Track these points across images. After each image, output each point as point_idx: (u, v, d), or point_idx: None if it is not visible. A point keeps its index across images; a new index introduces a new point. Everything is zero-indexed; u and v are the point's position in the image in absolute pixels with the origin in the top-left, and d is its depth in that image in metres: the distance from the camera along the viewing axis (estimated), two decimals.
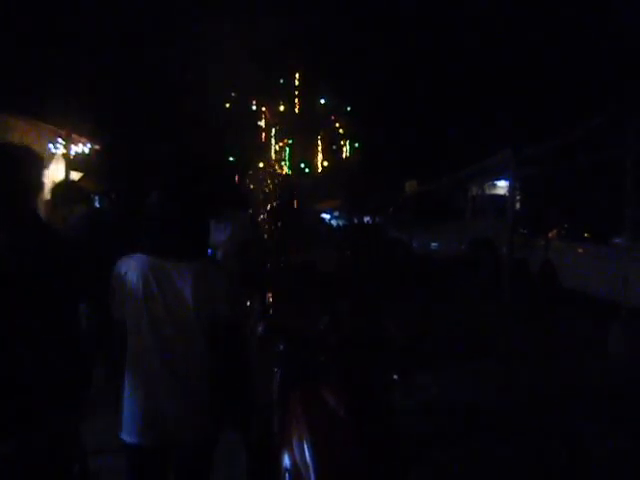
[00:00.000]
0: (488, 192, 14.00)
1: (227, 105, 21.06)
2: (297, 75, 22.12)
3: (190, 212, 2.13)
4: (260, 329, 2.42)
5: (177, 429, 2.04)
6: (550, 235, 9.87)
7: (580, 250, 9.03)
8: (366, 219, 20.91)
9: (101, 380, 2.30)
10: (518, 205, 14.11)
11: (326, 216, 28.06)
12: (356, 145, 23.50)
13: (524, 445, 3.56)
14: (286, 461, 2.02)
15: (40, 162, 2.11)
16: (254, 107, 22.07)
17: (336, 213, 27.63)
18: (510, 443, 3.59)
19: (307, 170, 23.65)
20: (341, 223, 25.04)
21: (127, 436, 2.06)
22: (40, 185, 2.07)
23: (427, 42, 18.21)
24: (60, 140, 8.00)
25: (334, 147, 23.30)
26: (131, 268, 2.08)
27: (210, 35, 17.46)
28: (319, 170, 23.98)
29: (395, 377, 2.25)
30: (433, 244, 14.06)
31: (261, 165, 22.56)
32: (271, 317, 2.84)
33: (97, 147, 9.37)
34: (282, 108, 21.96)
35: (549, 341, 6.37)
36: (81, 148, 8.82)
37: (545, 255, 9.73)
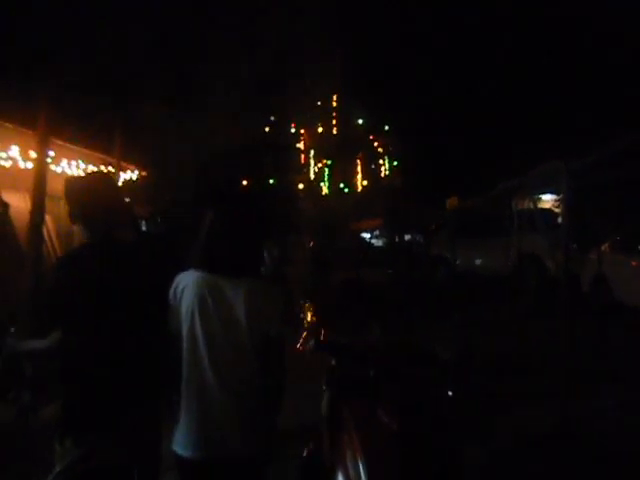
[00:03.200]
0: (534, 206, 13.65)
1: (267, 129, 21.49)
2: (334, 97, 22.37)
3: (243, 230, 2.19)
4: (311, 344, 2.42)
5: (230, 444, 2.06)
6: (602, 249, 9.52)
7: (634, 263, 8.67)
8: (407, 237, 20.73)
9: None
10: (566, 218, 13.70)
11: (366, 235, 27.96)
12: (395, 163, 23.45)
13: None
14: (340, 478, 1.99)
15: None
16: (293, 129, 22.44)
17: (376, 232, 27.51)
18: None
19: (346, 190, 23.73)
20: (382, 242, 24.90)
21: (181, 449, 2.09)
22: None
23: (463, 57, 18.13)
24: (110, 168, 8.33)
25: (373, 166, 23.34)
26: (187, 284, 2.14)
27: (249, 60, 17.89)
28: (359, 190, 24.01)
29: (450, 393, 2.20)
30: (477, 261, 13.77)
31: (301, 186, 22.81)
32: (320, 333, 2.83)
33: (144, 173, 9.70)
34: (320, 130, 22.23)
35: (605, 359, 6.10)
36: (129, 175, 9.16)
37: (598, 270, 9.38)
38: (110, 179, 2.46)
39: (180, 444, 2.10)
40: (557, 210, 14.55)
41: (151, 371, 2.17)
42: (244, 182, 21.17)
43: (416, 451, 1.82)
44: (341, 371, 2.53)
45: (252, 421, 2.10)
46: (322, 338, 2.63)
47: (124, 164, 9.08)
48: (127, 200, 3.81)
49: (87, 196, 2.17)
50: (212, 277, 2.14)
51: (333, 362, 2.85)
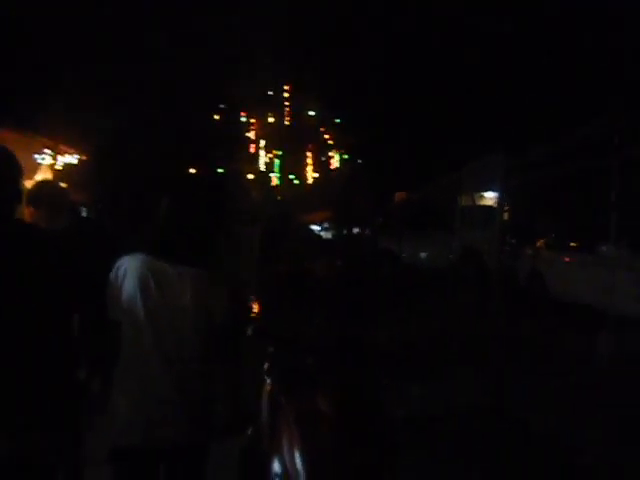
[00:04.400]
0: (477, 203, 14.10)
1: (216, 117, 21.14)
2: (286, 87, 22.26)
3: (197, 218, 2.17)
4: (249, 331, 2.43)
5: (172, 430, 2.04)
6: (538, 245, 9.96)
7: (567, 259, 9.12)
8: (356, 230, 20.96)
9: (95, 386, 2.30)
10: (506, 215, 14.26)
11: (316, 227, 28.04)
12: (345, 156, 23.62)
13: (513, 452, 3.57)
14: (276, 467, 2.01)
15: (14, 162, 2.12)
16: (244, 119, 22.18)
17: (326, 224, 27.65)
18: (497, 451, 3.59)
19: (297, 182, 23.71)
20: (331, 234, 25.04)
21: (120, 438, 2.04)
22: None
23: (414, 52, 18.40)
24: (47, 151, 7.97)
25: (323, 159, 23.42)
26: (129, 267, 2.09)
27: (199, 46, 17.56)
28: (309, 181, 24.05)
29: (385, 382, 2.26)
30: (422, 254, 14.12)
31: (251, 177, 22.60)
32: (260, 321, 2.84)
33: (84, 157, 9.35)
34: (271, 120, 22.08)
35: (537, 351, 6.40)
36: (68, 159, 8.80)
37: (533, 264, 9.82)
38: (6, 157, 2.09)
39: (119, 433, 2.04)
40: (496, 207, 15.12)
41: (61, 363, 1.99)
42: (192, 170, 20.76)
43: (353, 440, 1.86)
44: (280, 361, 2.55)
45: (197, 407, 2.09)
46: (262, 328, 2.64)
47: (63, 147, 8.71)
48: (63, 186, 3.64)
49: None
50: (157, 262, 2.09)
51: (271, 350, 2.87)
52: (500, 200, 6.53)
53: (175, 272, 2.09)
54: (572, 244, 9.34)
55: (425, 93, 18.14)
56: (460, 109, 17.12)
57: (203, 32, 17.48)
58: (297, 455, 1.87)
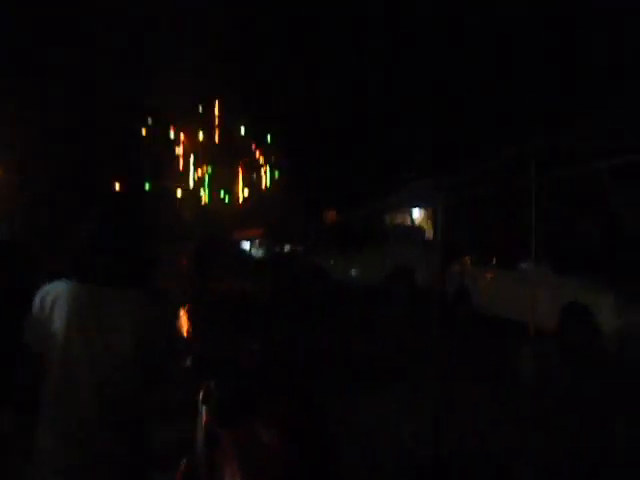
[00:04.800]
0: (404, 222, 14.55)
1: (143, 132, 20.53)
2: (216, 102, 22.05)
3: (128, 239, 2.03)
4: (188, 362, 2.31)
5: (109, 467, 1.89)
6: (463, 262, 10.36)
7: (490, 275, 9.55)
8: (287, 247, 20.99)
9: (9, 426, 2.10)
10: (431, 234, 14.79)
11: (247, 245, 27.81)
12: (276, 174, 23.66)
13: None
14: None
15: None
16: (172, 135, 21.69)
17: (257, 242, 27.49)
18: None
19: (227, 199, 23.43)
20: (261, 252, 24.90)
21: None
22: None
23: (345, 68, 18.72)
24: None
25: (254, 176, 23.33)
26: (59, 294, 1.93)
27: (129, 58, 17.09)
28: (240, 199, 23.83)
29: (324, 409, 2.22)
30: (353, 272, 14.32)
31: (179, 194, 22.08)
32: (198, 349, 2.72)
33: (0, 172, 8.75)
34: (201, 136, 21.75)
35: (464, 363, 6.61)
36: None
37: (460, 282, 10.19)
38: None
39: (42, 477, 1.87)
40: (424, 226, 15.69)
41: None
42: (116, 185, 20.01)
43: (298, 470, 1.80)
44: (218, 388, 2.45)
45: (133, 444, 1.95)
46: (199, 354, 2.52)
47: None
48: None
49: None
50: (91, 288, 1.95)
51: (212, 381, 2.75)
52: (439, 216, 6.71)
53: (112, 297, 1.97)
54: (494, 261, 9.80)
55: (356, 110, 18.54)
56: (390, 125, 17.60)
57: (130, 43, 17.03)
58: None
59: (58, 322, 1.91)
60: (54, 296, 1.94)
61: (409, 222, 14.71)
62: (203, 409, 2.74)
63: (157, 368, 2.05)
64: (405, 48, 16.84)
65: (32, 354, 1.94)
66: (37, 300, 1.95)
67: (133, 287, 2.02)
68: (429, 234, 14.91)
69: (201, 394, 2.82)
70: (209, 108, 21.96)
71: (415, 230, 14.66)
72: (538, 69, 14.23)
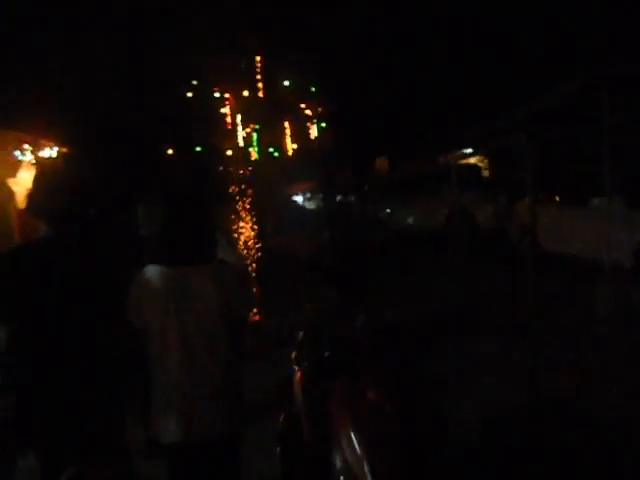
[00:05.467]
0: (460, 163, 14.16)
1: (189, 94, 20.59)
2: (257, 58, 21.72)
3: (196, 219, 2.22)
4: (300, 336, 2.45)
5: (208, 425, 2.14)
6: (528, 201, 10.06)
7: (558, 213, 9.26)
8: (339, 198, 20.95)
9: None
10: (492, 174, 14.35)
11: (299, 199, 27.96)
12: (323, 125, 23.34)
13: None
14: (337, 462, 2.05)
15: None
16: (217, 94, 21.64)
17: (308, 195, 27.55)
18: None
19: (276, 154, 23.40)
20: (314, 205, 24.99)
21: (162, 436, 2.13)
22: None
23: (392, 22, 18.04)
24: (27, 146, 7.72)
25: (302, 129, 23.11)
26: (150, 279, 2.15)
27: (165, 21, 16.99)
28: (289, 153, 23.77)
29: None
30: (410, 219, 14.18)
31: (230, 153, 22.22)
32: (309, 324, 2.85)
33: (64, 150, 9.10)
34: (246, 93, 21.57)
35: (538, 307, 6.52)
36: (48, 152, 8.55)
37: (524, 221, 9.93)
38: (73, 171, 2.29)
39: (161, 432, 2.14)
40: (481, 165, 15.20)
41: (108, 371, 2.15)
42: (170, 151, 20.34)
43: (410, 428, 1.90)
44: (315, 352, 2.57)
45: (227, 401, 2.20)
46: (310, 329, 2.65)
47: (43, 141, 8.46)
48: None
49: (59, 190, 2.05)
50: (174, 270, 2.16)
51: (300, 340, 2.89)
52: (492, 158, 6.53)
53: (193, 275, 2.15)
54: (559, 199, 9.47)
55: (400, 59, 17.90)
56: (436, 76, 16.97)
57: (169, 7, 16.89)
58: (357, 447, 1.91)
59: (150, 304, 2.14)
60: (146, 281, 2.15)
61: (463, 163, 14.29)
62: (297, 368, 2.88)
63: (241, 331, 2.29)
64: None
65: (136, 329, 2.17)
66: (134, 286, 2.17)
67: (210, 261, 2.22)
68: (487, 175, 14.47)
69: (293, 355, 2.96)
70: (252, 64, 21.66)
71: (470, 171, 14.24)
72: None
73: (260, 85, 23.65)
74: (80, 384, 2.02)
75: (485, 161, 14.56)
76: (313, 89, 23.37)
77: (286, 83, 23.32)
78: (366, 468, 1.82)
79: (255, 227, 12.09)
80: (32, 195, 2.09)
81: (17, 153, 7.71)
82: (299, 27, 19.45)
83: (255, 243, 10.59)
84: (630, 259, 6.90)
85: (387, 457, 1.82)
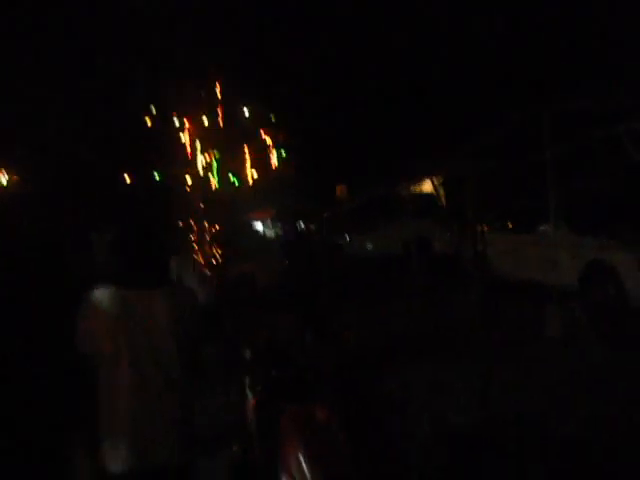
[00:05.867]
0: (417, 191, 14.53)
1: (148, 122, 20.47)
2: (218, 85, 21.84)
3: (152, 241, 2.20)
4: (247, 354, 2.44)
5: (159, 453, 2.09)
6: (479, 228, 10.39)
7: (508, 239, 9.59)
8: (300, 226, 21.05)
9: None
10: (445, 202, 14.76)
11: (259, 226, 27.91)
12: (283, 154, 23.53)
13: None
14: None
15: None
16: (176, 120, 21.59)
17: (268, 222, 27.57)
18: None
19: (236, 182, 23.38)
20: (274, 232, 24.98)
21: (114, 465, 2.07)
22: None
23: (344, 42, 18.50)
24: None
25: (263, 157, 23.22)
26: (101, 301, 2.11)
27: (124, 46, 16.97)
28: (249, 181, 23.78)
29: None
30: (369, 246, 14.39)
31: (189, 180, 22.09)
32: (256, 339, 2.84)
33: (15, 178, 8.88)
34: (206, 121, 21.63)
35: (491, 329, 6.69)
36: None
37: (476, 247, 10.23)
38: None
39: (110, 462, 2.08)
40: (437, 195, 15.63)
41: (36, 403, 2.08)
42: (127, 178, 20.07)
43: (358, 451, 1.91)
44: (268, 377, 2.57)
45: (180, 428, 2.16)
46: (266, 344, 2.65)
47: None
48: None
49: None
50: (126, 292, 2.14)
51: (252, 366, 2.88)
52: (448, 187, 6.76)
53: (146, 297, 2.14)
54: (510, 225, 9.83)
55: (360, 83, 18.34)
56: (397, 96, 17.43)
57: (128, 30, 16.89)
58: (305, 470, 1.91)
59: (101, 327, 2.08)
60: (96, 303, 2.10)
61: (420, 192, 14.68)
62: (250, 394, 2.86)
63: (196, 353, 2.28)
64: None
65: (83, 355, 2.11)
66: (83, 307, 2.11)
67: (163, 285, 2.20)
68: (442, 203, 14.87)
69: (247, 380, 2.94)
70: (211, 92, 21.78)
71: (427, 199, 14.62)
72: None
73: (220, 112, 23.60)
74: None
75: (441, 189, 14.99)
76: (273, 118, 23.52)
77: (246, 111, 23.32)
78: None
79: (215, 253, 12.04)
80: None
81: None
82: (261, 56, 19.77)
83: (215, 269, 10.52)
84: (576, 283, 7.20)
85: (333, 477, 1.83)
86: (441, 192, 14.74)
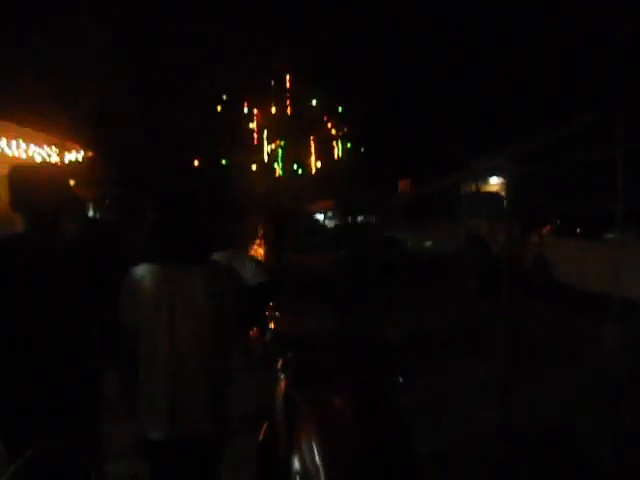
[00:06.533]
0: (481, 190, 14.09)
1: (218, 108, 21.06)
2: (287, 76, 22.12)
3: (190, 223, 2.26)
4: (268, 336, 2.49)
5: (193, 423, 2.17)
6: (543, 231, 9.97)
7: (573, 245, 9.14)
8: (360, 219, 20.98)
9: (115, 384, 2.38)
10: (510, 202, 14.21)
11: (320, 217, 28.06)
12: (348, 145, 23.53)
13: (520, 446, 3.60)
14: (296, 464, 2.07)
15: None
16: (246, 109, 22.09)
17: (330, 214, 27.66)
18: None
19: (300, 172, 23.64)
20: (334, 224, 25.04)
21: (148, 432, 2.17)
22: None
23: (421, 38, 18.24)
24: (53, 148, 7.99)
25: (327, 148, 23.33)
26: (143, 276, 2.20)
27: (199, 37, 17.49)
28: (312, 171, 23.97)
29: (400, 379, 2.31)
30: (427, 243, 14.13)
31: (254, 168, 22.58)
32: (276, 325, 2.89)
33: (90, 154, 9.37)
34: (274, 110, 21.97)
35: (545, 338, 6.45)
36: (74, 155, 8.82)
37: (538, 251, 9.83)
38: (59, 173, 2.38)
39: (147, 428, 2.18)
40: (502, 194, 15.11)
41: (87, 368, 2.17)
42: (196, 162, 20.79)
43: (369, 436, 1.91)
44: (296, 360, 2.60)
45: (214, 401, 2.22)
46: (277, 329, 2.69)
47: (69, 143, 8.74)
48: (72, 184, 3.71)
49: (31, 189, 2.13)
50: (167, 267, 2.21)
51: (289, 354, 2.91)
52: (510, 189, 6.53)
53: (186, 273, 2.20)
54: (578, 230, 9.35)
55: (427, 81, 18.03)
56: (464, 96, 17.03)
57: (201, 22, 17.39)
58: (315, 452, 1.93)
59: (142, 300, 2.17)
60: (139, 278, 2.19)
61: (484, 191, 14.22)
62: (282, 377, 2.90)
63: (231, 331, 2.32)
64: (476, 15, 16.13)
65: (127, 329, 2.21)
66: (127, 283, 2.21)
67: (203, 263, 2.26)
68: (507, 203, 14.34)
69: (279, 363, 2.98)
70: (281, 82, 22.08)
71: (490, 199, 14.17)
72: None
73: (288, 102, 23.87)
74: (54, 378, 2.04)
75: (506, 189, 14.46)
76: (340, 109, 23.48)
77: (314, 102, 23.46)
78: (322, 474, 1.83)
79: (275, 243, 12.23)
80: (13, 192, 2.16)
81: (44, 154, 7.96)
82: (330, 49, 19.79)
83: (274, 259, 10.69)
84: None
85: (345, 466, 1.84)
86: (504, 192, 14.24)
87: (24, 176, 2.16)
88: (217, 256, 3.73)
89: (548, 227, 9.98)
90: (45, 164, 2.40)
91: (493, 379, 4.05)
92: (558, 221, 9.90)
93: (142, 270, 2.22)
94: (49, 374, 2.01)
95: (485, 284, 9.74)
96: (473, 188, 13.66)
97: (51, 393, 2.01)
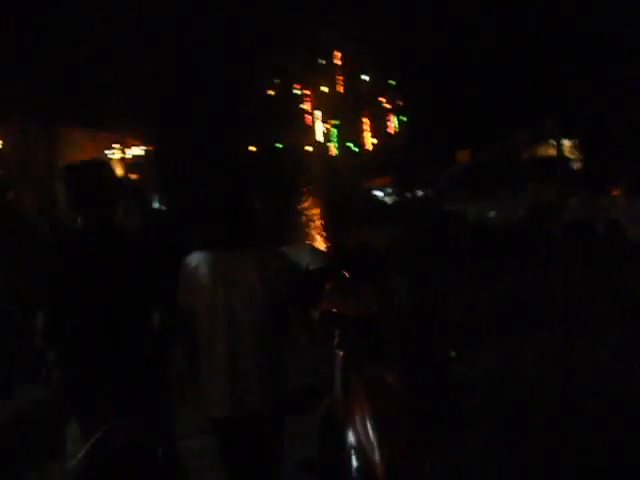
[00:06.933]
0: (542, 154, 13.45)
1: (272, 92, 21.21)
2: (337, 54, 21.87)
3: (240, 208, 2.31)
4: (316, 315, 2.52)
5: (254, 402, 2.25)
6: (615, 192, 9.42)
7: None
8: (419, 193, 20.60)
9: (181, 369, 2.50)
10: (577, 164, 13.51)
11: (379, 193, 27.78)
12: (403, 119, 23.06)
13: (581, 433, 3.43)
14: (351, 439, 2.11)
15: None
16: (298, 91, 22.11)
17: (389, 189, 27.29)
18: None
19: (356, 149, 23.44)
20: (392, 200, 24.70)
21: (214, 411, 2.26)
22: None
23: (471, 10, 17.52)
24: (116, 145, 8.38)
25: (381, 124, 22.97)
26: (199, 263, 2.27)
27: (247, 21, 17.59)
28: (368, 148, 23.70)
29: (452, 353, 2.29)
30: (490, 213, 13.68)
31: (309, 149, 22.64)
32: (326, 304, 2.92)
33: (150, 148, 9.75)
34: (325, 89, 21.83)
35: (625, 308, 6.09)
36: (137, 151, 9.20)
37: (611, 213, 9.32)
38: (107, 169, 2.49)
39: (212, 407, 2.28)
40: (571, 156, 14.34)
41: (150, 356, 2.28)
42: (252, 148, 21.09)
43: (421, 412, 1.92)
44: (350, 337, 2.63)
45: (272, 380, 2.30)
46: (326, 309, 2.72)
47: (130, 140, 9.14)
48: (133, 178, 3.88)
49: (84, 184, 2.25)
50: (221, 253, 2.28)
51: (340, 332, 2.93)
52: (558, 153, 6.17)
53: (239, 258, 2.26)
54: None
55: (479, 52, 17.30)
56: (518, 66, 16.23)
57: (251, 7, 17.45)
58: (369, 427, 1.96)
59: (199, 287, 2.25)
60: (195, 265, 2.26)
61: (545, 155, 13.54)
62: (339, 352, 2.94)
63: (285, 313, 2.35)
64: None
65: (185, 312, 2.29)
66: (183, 270, 2.28)
67: (254, 246, 2.30)
68: (577, 165, 13.61)
69: (335, 340, 3.01)
70: (331, 60, 21.87)
71: (559, 163, 13.46)
72: None
73: (339, 80, 23.65)
74: (116, 361, 2.16)
75: (573, 151, 13.73)
76: (392, 82, 23.03)
77: (365, 77, 23.13)
78: (377, 456, 1.86)
79: (334, 222, 12.29)
80: (69, 189, 2.27)
81: (107, 152, 8.37)
82: (377, 22, 19.36)
83: (334, 237, 10.77)
84: None
85: (396, 440, 1.85)
86: (571, 155, 13.52)
87: (78, 174, 2.29)
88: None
89: (619, 187, 9.42)
90: (94, 162, 2.51)
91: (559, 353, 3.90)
92: (630, 180, 9.31)
93: (197, 258, 2.29)
94: (112, 357, 2.14)
95: (553, 253, 9.35)
96: (537, 153, 13.05)
97: (115, 376, 2.13)
